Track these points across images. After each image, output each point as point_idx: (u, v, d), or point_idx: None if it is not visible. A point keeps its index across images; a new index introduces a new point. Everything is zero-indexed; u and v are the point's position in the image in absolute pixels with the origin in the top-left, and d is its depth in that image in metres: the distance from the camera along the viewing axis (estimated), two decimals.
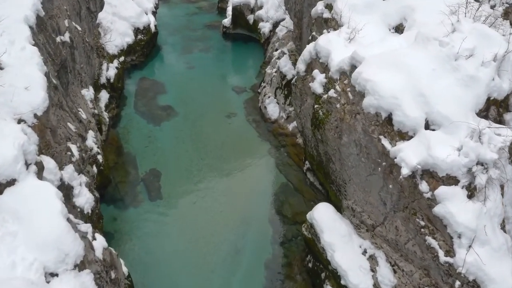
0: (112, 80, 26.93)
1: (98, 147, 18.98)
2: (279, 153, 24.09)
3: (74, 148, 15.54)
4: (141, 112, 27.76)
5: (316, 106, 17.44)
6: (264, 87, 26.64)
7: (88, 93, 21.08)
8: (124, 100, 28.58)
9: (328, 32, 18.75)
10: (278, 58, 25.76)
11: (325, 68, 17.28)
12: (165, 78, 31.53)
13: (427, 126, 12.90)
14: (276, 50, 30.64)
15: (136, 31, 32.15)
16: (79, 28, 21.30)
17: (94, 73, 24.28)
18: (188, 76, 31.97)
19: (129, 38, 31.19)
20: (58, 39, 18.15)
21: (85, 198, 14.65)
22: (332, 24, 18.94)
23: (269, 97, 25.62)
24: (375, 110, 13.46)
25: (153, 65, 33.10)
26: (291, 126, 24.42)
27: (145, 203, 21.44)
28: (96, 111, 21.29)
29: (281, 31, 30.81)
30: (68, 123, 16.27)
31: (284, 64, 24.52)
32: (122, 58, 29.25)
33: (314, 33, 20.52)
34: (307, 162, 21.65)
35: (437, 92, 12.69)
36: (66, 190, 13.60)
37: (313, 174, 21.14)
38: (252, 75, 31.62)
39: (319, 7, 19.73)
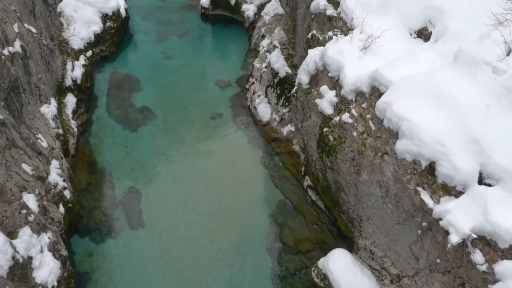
0: (79, 81, 23.24)
1: (64, 180, 15.71)
2: (273, 163, 21.12)
3: (31, 200, 12.30)
4: (115, 115, 24.23)
5: (325, 129, 14.41)
6: (253, 83, 23.34)
7: (49, 109, 17.56)
8: (94, 102, 24.93)
9: (334, 33, 15.53)
10: (268, 51, 22.40)
11: (335, 84, 14.18)
12: (139, 71, 27.81)
13: (480, 179, 10.07)
14: (263, 37, 27.20)
15: (104, 17, 28.10)
16: (34, 30, 17.54)
17: (56, 78, 20.58)
18: (165, 68, 28.30)
19: (97, 27, 27.19)
20: (5, 51, 14.51)
21: (48, 269, 11.55)
22: (338, 24, 15.69)
23: (259, 96, 22.39)
24: (413, 157, 10.54)
25: (125, 56, 29.23)
26: (285, 130, 21.37)
27: (124, 233, 18.39)
28: (60, 131, 17.83)
29: (267, 14, 27.24)
30: (24, 164, 12.94)
31: (276, 59, 21.21)
32: (89, 53, 25.39)
33: (314, 31, 17.25)
34: (307, 178, 18.78)
35: (494, 137, 9.83)
36: (21, 269, 10.46)
37: (316, 193, 18.33)
38: (237, 65, 28.13)
39: (322, 1, 16.39)
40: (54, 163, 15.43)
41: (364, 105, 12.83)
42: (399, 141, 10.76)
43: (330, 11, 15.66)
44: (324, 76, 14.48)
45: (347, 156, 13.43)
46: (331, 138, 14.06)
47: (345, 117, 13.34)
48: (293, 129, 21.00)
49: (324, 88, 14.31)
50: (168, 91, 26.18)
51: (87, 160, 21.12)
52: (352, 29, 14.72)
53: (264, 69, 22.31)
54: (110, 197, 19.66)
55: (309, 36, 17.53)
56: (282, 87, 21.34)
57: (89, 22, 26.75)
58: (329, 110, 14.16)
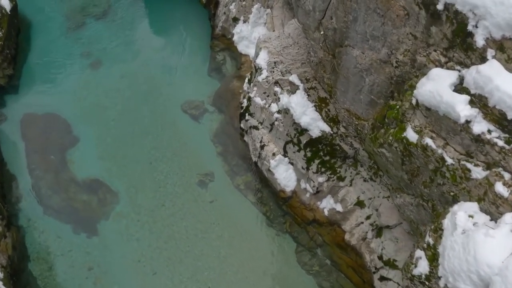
0: None
1: None
2: (317, 262, 14.32)
3: None
4: (53, 208, 15.60)
5: None
6: (255, 127, 15.08)
7: None
8: (10, 189, 15.87)
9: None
10: (280, 86, 13.84)
11: None
12: (62, 103, 18.24)
13: None
14: (236, 20, 18.09)
15: None
16: None
17: None
18: (98, 86, 18.75)
19: None
20: None
21: None
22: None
23: (273, 154, 14.47)
24: None
25: (32, 78, 19.00)
26: (326, 207, 14.18)
27: None
28: None
29: None
30: None
31: (301, 110, 12.97)
32: None
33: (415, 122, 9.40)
34: None
35: None
36: None
37: None
38: (202, 68, 19.08)
39: (459, 106, 8.16)
40: None
41: None
42: None
43: (479, 127, 7.85)
44: None
45: None
46: None
47: None
48: (338, 206, 13.91)
49: None
50: (117, 137, 17.29)
51: None
52: None
53: (276, 115, 14.05)
54: None
55: (400, 110, 9.72)
56: (315, 148, 13.57)
57: None
58: None
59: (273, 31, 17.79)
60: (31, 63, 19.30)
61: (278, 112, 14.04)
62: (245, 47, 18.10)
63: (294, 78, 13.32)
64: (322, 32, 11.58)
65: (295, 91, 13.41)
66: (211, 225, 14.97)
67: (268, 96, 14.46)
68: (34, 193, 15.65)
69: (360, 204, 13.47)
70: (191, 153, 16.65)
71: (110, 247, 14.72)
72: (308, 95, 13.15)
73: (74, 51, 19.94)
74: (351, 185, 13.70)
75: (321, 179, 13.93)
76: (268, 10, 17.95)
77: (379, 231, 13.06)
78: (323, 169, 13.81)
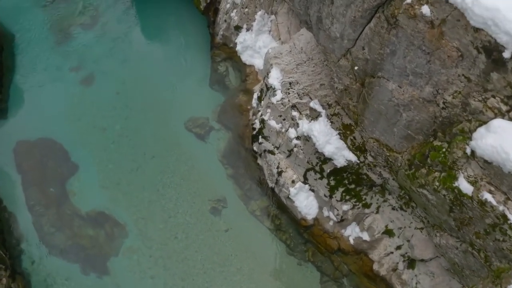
0: None
1: None
2: None
3: None
4: (58, 248, 14.51)
5: None
6: (271, 151, 14.06)
7: None
8: (9, 225, 14.70)
9: None
10: (297, 110, 12.74)
11: None
12: (56, 127, 16.91)
13: None
14: (238, 28, 16.82)
15: None
16: None
17: None
18: (92, 105, 17.43)
19: None
20: None
21: None
22: None
23: (293, 181, 13.53)
24: None
25: (20, 101, 17.55)
26: (351, 235, 13.40)
27: None
28: None
29: None
30: None
31: (324, 138, 11.95)
32: None
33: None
34: None
35: None
36: None
37: None
38: (203, 80, 17.80)
39: None
40: None
41: None
42: None
43: None
44: None
45: None
46: None
47: None
48: (364, 235, 13.13)
49: None
50: (119, 162, 16.12)
51: None
52: None
53: (295, 141, 13.02)
54: None
55: (449, 157, 8.84)
56: (340, 176, 12.65)
57: None
58: None
59: (279, 39, 16.63)
60: (18, 82, 17.82)
61: (297, 138, 13.00)
62: (250, 57, 16.89)
63: (315, 104, 12.26)
64: (350, 62, 10.49)
65: (317, 117, 12.37)
66: (229, 257, 14.08)
67: (284, 119, 13.40)
68: (36, 232, 14.51)
69: (388, 233, 12.69)
70: (200, 177, 15.60)
71: (123, 287, 13.76)
72: (332, 122, 12.13)
73: (63, 65, 18.47)
74: (377, 212, 12.89)
75: (345, 207, 13.07)
76: (273, 17, 16.70)
77: (411, 262, 12.33)
78: (347, 197, 12.93)
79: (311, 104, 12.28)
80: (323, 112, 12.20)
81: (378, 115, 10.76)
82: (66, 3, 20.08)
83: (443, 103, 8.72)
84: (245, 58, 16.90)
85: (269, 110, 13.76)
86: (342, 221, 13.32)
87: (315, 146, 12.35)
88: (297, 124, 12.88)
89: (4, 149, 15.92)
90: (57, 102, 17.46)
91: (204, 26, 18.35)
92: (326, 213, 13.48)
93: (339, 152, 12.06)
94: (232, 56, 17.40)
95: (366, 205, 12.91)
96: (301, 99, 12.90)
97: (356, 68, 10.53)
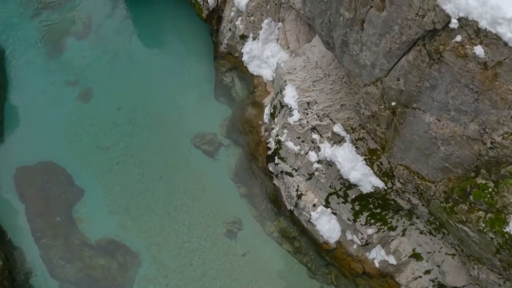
0: None
1: None
2: None
3: None
4: (69, 280, 13.84)
5: None
6: (289, 173, 13.40)
7: None
8: (15, 259, 13.95)
9: None
10: (318, 133, 12.05)
11: None
12: (56, 147, 16.09)
13: None
14: (244, 37, 15.97)
15: None
16: None
17: None
18: (92, 123, 16.56)
19: None
20: None
21: None
22: None
23: (314, 205, 12.96)
24: None
25: (15, 120, 16.58)
26: (376, 258, 12.94)
27: None
28: None
29: None
30: None
31: (351, 165, 11.31)
32: None
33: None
34: None
35: None
36: None
37: None
38: (207, 93, 16.95)
39: None
40: None
41: None
42: None
43: None
44: None
45: None
46: None
47: None
48: (391, 259, 12.69)
49: None
50: (126, 184, 15.39)
51: None
52: None
53: (316, 165, 12.38)
54: None
55: (498, 200, 8.33)
56: (365, 202, 12.10)
57: None
58: None
59: (288, 47, 15.83)
60: (12, 102, 16.82)
61: (318, 162, 12.37)
62: (257, 67, 16.09)
63: (338, 128, 11.60)
64: (380, 90, 9.82)
65: (340, 142, 11.72)
66: (249, 284, 13.57)
67: (303, 141, 12.74)
68: (45, 265, 13.80)
69: (416, 256, 12.26)
70: (212, 197, 14.96)
71: None
72: (357, 147, 11.51)
73: (58, 80, 17.48)
74: (403, 235, 12.43)
75: (370, 231, 12.57)
76: (280, 24, 15.87)
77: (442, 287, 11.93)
78: (372, 221, 12.41)
79: (334, 129, 11.62)
80: (347, 136, 11.57)
81: (409, 144, 10.16)
82: (55, 11, 18.92)
83: (491, 143, 8.13)
84: (252, 68, 16.10)
85: (285, 131, 13.07)
86: (367, 245, 12.83)
87: (340, 173, 11.74)
88: (318, 147, 12.23)
89: (4, 176, 15.05)
90: (55, 121, 16.54)
91: (205, 33, 17.44)
92: (349, 236, 12.97)
93: (365, 178, 11.48)
94: (238, 66, 16.58)
95: (392, 228, 12.44)
96: (321, 121, 12.23)
97: (385, 97, 9.87)
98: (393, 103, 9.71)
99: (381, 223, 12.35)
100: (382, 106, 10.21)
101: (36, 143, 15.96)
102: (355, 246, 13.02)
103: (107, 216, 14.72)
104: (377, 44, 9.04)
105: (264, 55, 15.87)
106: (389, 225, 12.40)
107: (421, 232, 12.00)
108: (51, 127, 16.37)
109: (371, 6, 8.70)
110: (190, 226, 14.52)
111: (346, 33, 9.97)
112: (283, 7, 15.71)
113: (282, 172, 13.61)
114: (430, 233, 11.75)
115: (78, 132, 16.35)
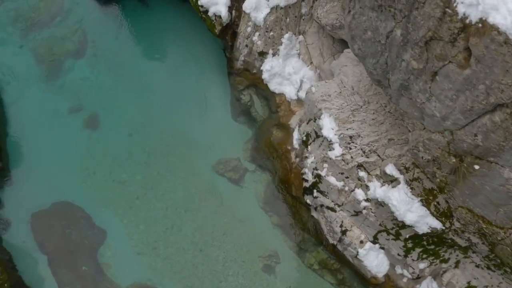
0: None
1: None
2: None
3: None
4: None
5: None
6: (330, 208, 12.65)
7: None
8: None
9: None
10: (365, 170, 11.23)
11: None
12: (68, 185, 14.94)
13: None
14: (263, 54, 14.85)
15: None
16: None
17: None
18: (104, 153, 15.40)
19: None
20: None
21: None
22: None
23: (361, 242, 12.35)
24: None
25: (20, 157, 15.26)
26: None
27: None
28: None
29: (258, 9, 14.40)
30: None
31: (406, 207, 10.62)
32: None
33: None
34: None
35: None
36: None
37: None
38: (225, 112, 15.86)
39: None
40: None
41: None
42: None
43: None
44: None
45: None
46: None
47: None
48: None
49: None
50: (150, 221, 14.46)
51: None
52: None
53: (364, 203, 11.67)
54: None
55: None
56: (419, 239, 11.53)
57: None
58: None
59: (311, 63, 14.82)
60: (13, 138, 15.44)
61: (367, 200, 11.65)
62: (279, 85, 15.08)
63: (390, 169, 10.82)
64: (447, 139, 9.02)
65: (393, 182, 10.98)
66: None
67: (347, 178, 11.95)
68: None
69: None
70: (243, 229, 14.20)
71: None
72: (412, 188, 10.79)
73: (60, 107, 16.10)
74: (456, 267, 11.96)
75: (422, 265, 12.07)
76: (301, 37, 14.79)
77: None
78: (424, 255, 11.89)
79: (387, 170, 10.84)
80: (401, 177, 10.81)
81: (477, 191, 9.49)
82: (46, 27, 17.26)
83: None
84: (274, 86, 15.07)
85: (326, 165, 12.23)
86: (418, 278, 12.37)
87: (394, 215, 11.06)
88: (367, 186, 11.47)
89: (20, 226, 13.91)
90: (63, 154, 15.30)
91: (217, 48, 16.16)
92: (399, 270, 12.46)
93: (421, 220, 10.84)
94: (257, 83, 15.50)
95: (444, 260, 11.95)
96: (367, 158, 11.42)
97: (452, 145, 9.08)
98: (463, 155, 8.95)
99: (433, 257, 11.84)
100: (447, 153, 9.44)
101: (47, 182, 14.77)
102: (405, 280, 12.55)
103: (135, 258, 13.85)
104: (453, 99, 8.16)
105: (285, 72, 14.83)
106: (441, 258, 11.90)
107: (477, 266, 11.54)
108: (60, 162, 15.14)
109: (450, 62, 7.76)
110: (225, 263, 13.78)
111: (408, 78, 9.03)
112: (303, 19, 14.57)
113: (322, 206, 12.87)
114: (488, 268, 11.29)
115: (90, 165, 15.18)
